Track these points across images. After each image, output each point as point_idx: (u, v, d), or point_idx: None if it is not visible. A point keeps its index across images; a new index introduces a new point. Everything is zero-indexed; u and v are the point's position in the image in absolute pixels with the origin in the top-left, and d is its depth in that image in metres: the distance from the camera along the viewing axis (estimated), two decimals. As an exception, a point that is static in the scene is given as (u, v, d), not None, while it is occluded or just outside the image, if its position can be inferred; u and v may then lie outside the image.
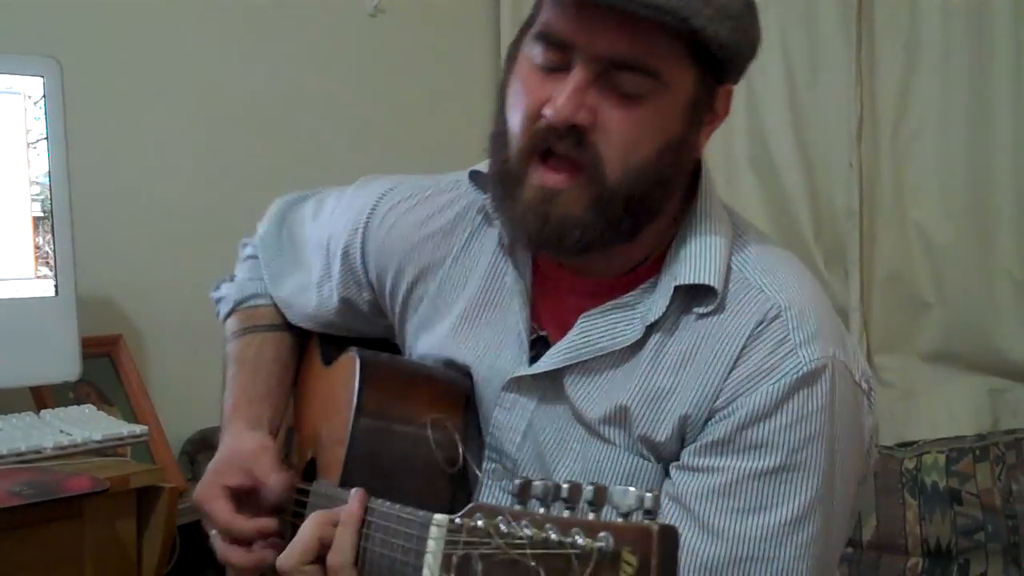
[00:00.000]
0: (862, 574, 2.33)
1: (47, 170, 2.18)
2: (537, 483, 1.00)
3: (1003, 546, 2.39)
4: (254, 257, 1.82)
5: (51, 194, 2.19)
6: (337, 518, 1.28)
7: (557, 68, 1.32)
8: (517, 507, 1.01)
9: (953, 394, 2.74)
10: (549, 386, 1.44)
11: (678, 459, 1.38)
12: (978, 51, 2.73)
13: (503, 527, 1.00)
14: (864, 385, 1.40)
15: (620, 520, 0.94)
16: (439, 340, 1.55)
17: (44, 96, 2.17)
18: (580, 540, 0.93)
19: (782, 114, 3.01)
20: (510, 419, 1.47)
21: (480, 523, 1.03)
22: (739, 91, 3.01)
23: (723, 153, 3.07)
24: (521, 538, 0.97)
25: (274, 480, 1.53)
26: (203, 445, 2.53)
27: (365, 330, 1.70)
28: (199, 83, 2.75)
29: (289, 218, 1.79)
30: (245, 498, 1.55)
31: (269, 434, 1.64)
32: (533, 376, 1.45)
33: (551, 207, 1.33)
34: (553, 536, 0.95)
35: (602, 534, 0.92)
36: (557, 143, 1.31)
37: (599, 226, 1.33)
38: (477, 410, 1.51)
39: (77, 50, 2.45)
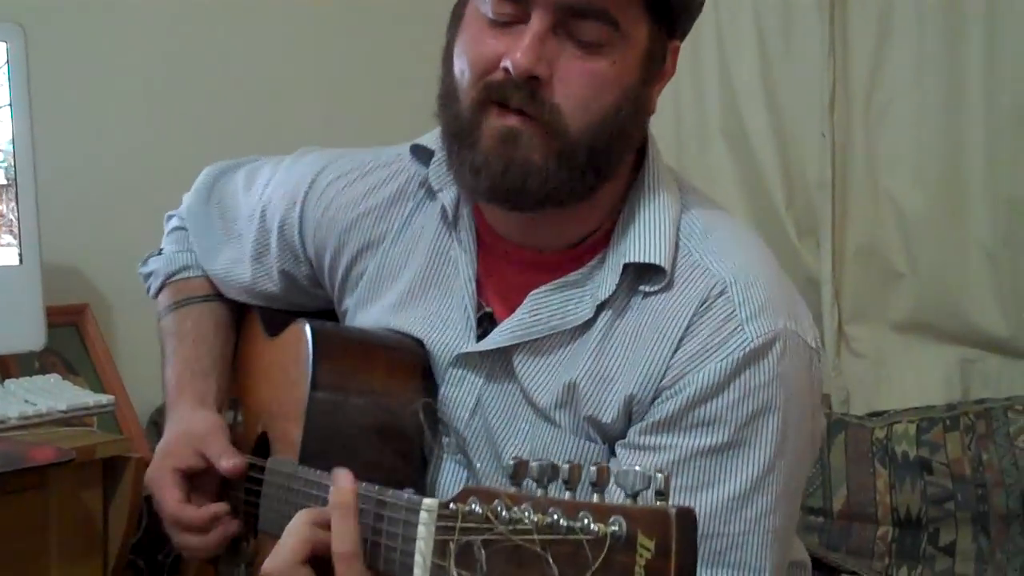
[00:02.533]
0: (832, 543, 2.34)
1: (11, 137, 2.14)
2: (533, 463, 0.94)
3: (972, 515, 2.40)
4: (181, 229, 1.78)
5: (15, 161, 2.15)
6: (324, 515, 1.20)
7: (509, 21, 1.30)
8: (512, 489, 0.95)
9: (924, 364, 2.75)
10: (497, 364, 1.42)
11: (624, 439, 1.36)
12: (951, 22, 2.72)
13: (503, 512, 0.94)
14: (814, 345, 1.38)
15: (630, 502, 0.88)
16: (381, 316, 1.52)
17: (8, 62, 2.14)
18: (591, 524, 0.87)
19: (755, 84, 2.99)
20: (458, 395, 1.44)
21: (476, 507, 0.97)
22: (712, 61, 3.06)
23: (696, 123, 3.06)
24: (525, 523, 0.91)
25: (227, 464, 1.51)
26: (170, 416, 2.50)
27: (305, 303, 1.67)
28: (167, 50, 2.71)
29: (218, 189, 1.75)
30: (197, 478, 1.54)
31: (216, 409, 1.63)
32: (481, 353, 1.42)
33: (513, 150, 1.30)
34: (560, 521, 0.89)
35: (614, 518, 0.86)
36: (513, 95, 1.29)
37: (562, 177, 1.31)
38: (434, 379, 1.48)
39: (41, 16, 2.41)
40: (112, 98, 2.62)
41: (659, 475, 0.87)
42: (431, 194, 1.50)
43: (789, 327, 1.33)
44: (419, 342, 1.47)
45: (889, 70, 2.82)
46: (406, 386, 1.45)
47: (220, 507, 1.52)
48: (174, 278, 1.76)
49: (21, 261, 2.17)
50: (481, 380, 1.43)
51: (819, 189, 2.89)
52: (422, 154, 1.51)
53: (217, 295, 1.74)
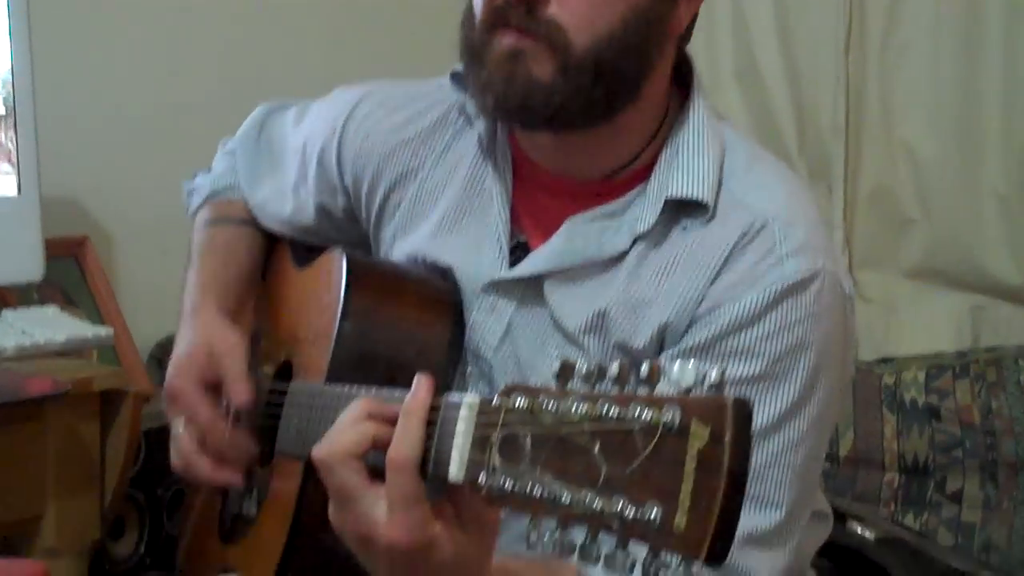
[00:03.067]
0: (838, 489, 2.33)
1: (10, 66, 2.11)
2: (581, 363, 0.90)
3: (980, 462, 2.40)
4: (232, 154, 1.77)
5: (14, 90, 2.12)
6: (391, 411, 1.10)
7: None
8: (558, 387, 0.92)
9: (935, 311, 2.74)
10: (529, 291, 1.42)
11: None
12: (970, -37, 2.67)
13: (550, 405, 0.91)
14: (849, 293, 1.38)
15: (684, 395, 0.85)
16: (418, 245, 1.51)
17: (7, -11, 2.10)
18: (642, 414, 0.84)
19: (769, 26, 2.95)
20: (488, 322, 1.44)
21: (521, 402, 0.94)
22: (725, 2, 2.99)
23: (708, 65, 3.02)
24: (572, 414, 0.88)
25: (240, 396, 1.46)
26: (172, 349, 2.48)
27: (338, 238, 1.64)
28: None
29: (269, 123, 1.75)
30: (216, 389, 1.49)
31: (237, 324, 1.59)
32: (513, 280, 1.42)
33: (516, 66, 1.31)
34: (610, 411, 0.86)
35: (667, 407, 0.83)
36: (511, 14, 1.30)
37: (567, 91, 1.30)
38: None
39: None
40: (114, 26, 2.58)
41: (714, 371, 0.84)
42: (469, 121, 1.50)
43: (828, 268, 1.33)
44: (450, 277, 1.47)
45: (906, 14, 2.79)
46: (435, 320, 1.44)
47: (247, 440, 1.47)
48: (218, 196, 1.75)
49: (19, 191, 2.14)
50: (512, 307, 1.43)
51: (832, 133, 2.86)
52: (461, 81, 1.49)
53: (254, 222, 1.72)
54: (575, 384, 0.91)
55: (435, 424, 1.05)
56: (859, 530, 2.17)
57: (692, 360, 0.85)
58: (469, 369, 1.46)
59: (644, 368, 0.87)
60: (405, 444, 1.06)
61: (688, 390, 0.84)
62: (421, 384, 1.09)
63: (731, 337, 1.30)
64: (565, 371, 0.92)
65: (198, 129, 1.85)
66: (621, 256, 1.37)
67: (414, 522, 1.05)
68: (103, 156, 2.55)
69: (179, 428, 1.49)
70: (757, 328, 1.30)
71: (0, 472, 1.85)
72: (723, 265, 1.32)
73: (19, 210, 2.15)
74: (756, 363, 1.30)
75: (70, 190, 2.50)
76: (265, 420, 1.51)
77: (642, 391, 0.87)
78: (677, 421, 0.82)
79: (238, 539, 1.56)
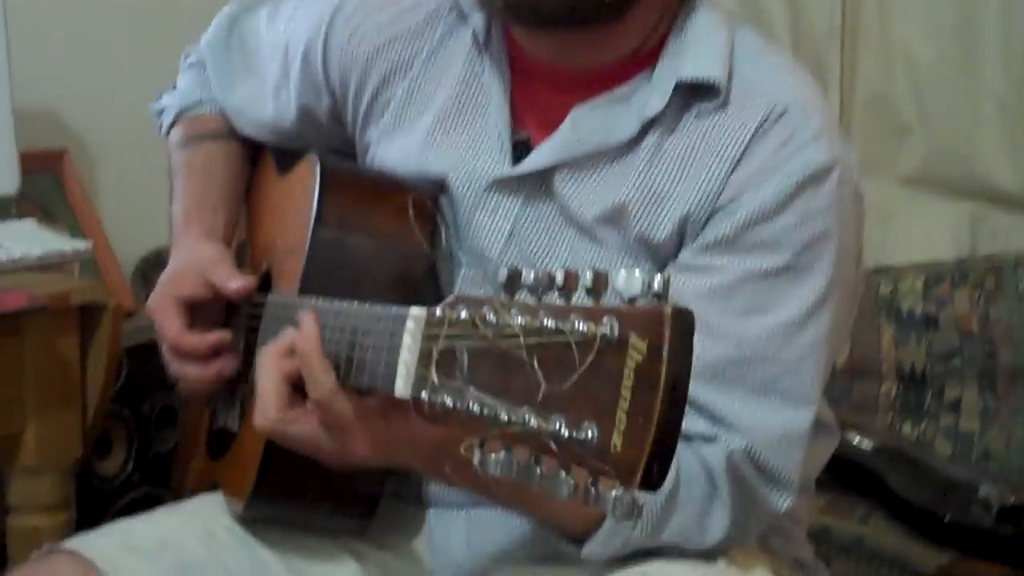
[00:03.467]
0: (835, 399, 2.28)
1: (-20, -29, 2.07)
2: (528, 272, 0.86)
3: (979, 371, 2.37)
4: (198, 65, 1.72)
5: (-16, -4, 2.07)
6: (289, 345, 1.17)
7: None
8: (504, 298, 0.88)
9: (932, 219, 2.68)
10: (536, 187, 1.38)
11: (676, 260, 1.33)
12: None
13: (490, 317, 0.87)
14: (860, 191, 1.36)
15: (627, 306, 0.80)
16: (410, 148, 1.47)
17: None
18: (580, 326, 0.80)
19: (763, -73, 2.89)
20: (493, 222, 1.40)
21: (464, 314, 0.90)
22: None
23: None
24: (511, 327, 0.84)
25: (235, 284, 1.46)
26: (157, 263, 2.44)
27: (322, 142, 1.60)
28: None
29: (240, 24, 1.69)
30: (200, 311, 1.48)
31: (224, 244, 1.58)
32: (518, 177, 1.38)
33: None
34: (548, 323, 0.82)
35: (605, 319, 0.78)
36: None
37: None
38: (448, 222, 1.43)
39: None
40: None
41: (658, 277, 0.79)
42: (463, 17, 1.45)
43: (844, 157, 1.31)
44: (436, 184, 1.43)
45: (903, -88, 2.72)
46: (415, 228, 1.40)
47: (221, 335, 1.46)
48: (188, 113, 1.70)
49: (-9, 102, 2.10)
50: (517, 207, 1.39)
51: (828, 36, 2.79)
52: None
53: (231, 133, 1.68)
54: (522, 295, 0.87)
55: (383, 334, 1.04)
56: (857, 440, 2.17)
57: (637, 269, 0.81)
58: (472, 272, 1.41)
59: (588, 277, 0.83)
60: (316, 381, 1.13)
61: (633, 300, 0.80)
62: (306, 321, 1.15)
63: (755, 228, 1.28)
64: (512, 281, 0.87)
65: (181, 38, 1.79)
66: (633, 144, 1.33)
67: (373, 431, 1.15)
68: (81, 66, 2.51)
69: (163, 344, 1.50)
70: (780, 219, 1.27)
71: (-23, 388, 1.83)
72: (743, 153, 1.29)
73: (-9, 120, 2.11)
74: (780, 255, 1.28)
75: (47, 102, 2.46)
76: (246, 333, 1.49)
77: (588, 302, 0.82)
78: (616, 334, 0.78)
79: (224, 454, 1.54)
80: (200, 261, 1.50)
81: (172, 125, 1.71)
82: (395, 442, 1.18)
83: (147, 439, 2.33)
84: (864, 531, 2.08)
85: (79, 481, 2.06)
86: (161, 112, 1.73)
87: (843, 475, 2.13)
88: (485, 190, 1.40)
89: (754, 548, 1.38)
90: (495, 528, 1.39)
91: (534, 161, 1.37)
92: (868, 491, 2.16)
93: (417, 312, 0.99)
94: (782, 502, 1.30)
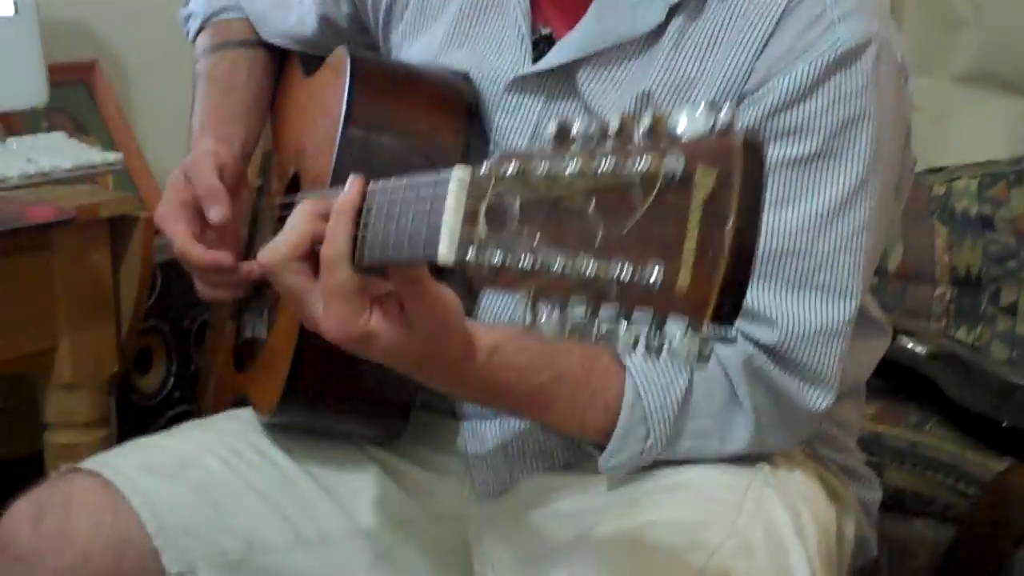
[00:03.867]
0: (887, 304, 2.26)
1: None
2: (580, 122, 0.80)
3: (1036, 274, 2.33)
4: None
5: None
6: (330, 208, 1.09)
7: None
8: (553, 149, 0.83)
9: (987, 117, 2.62)
10: (559, 84, 1.33)
11: None
12: None
13: (542, 167, 0.81)
14: (905, 68, 1.29)
15: (692, 141, 0.75)
16: (431, 47, 1.43)
17: None
18: (641, 165, 0.74)
19: None
20: (514, 124, 1.36)
21: (512, 168, 0.84)
22: None
23: None
24: (565, 175, 0.79)
25: (214, 215, 1.41)
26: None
27: None
28: None
29: None
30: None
31: (242, 155, 1.53)
32: (539, 74, 1.33)
33: None
34: (606, 166, 0.76)
35: (670, 155, 0.73)
36: None
37: None
38: (481, 119, 1.39)
39: None
40: None
41: (724, 110, 0.73)
42: None
43: (883, 33, 1.25)
44: (467, 79, 1.39)
45: None
46: (447, 122, 1.36)
47: (223, 257, 1.41)
48: (214, 19, 1.67)
49: (16, 11, 2.07)
50: (540, 105, 1.34)
51: (878, -71, 2.72)
52: None
53: (257, 42, 1.65)
54: (575, 147, 0.80)
55: (425, 198, 0.97)
56: (910, 345, 2.12)
57: (701, 105, 0.74)
58: None
59: (646, 120, 0.76)
60: (333, 243, 1.04)
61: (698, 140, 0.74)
62: (353, 184, 1.07)
63: (783, 114, 1.22)
64: (562, 133, 0.81)
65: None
66: (658, 32, 1.28)
67: (344, 316, 1.04)
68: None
69: None
70: (810, 103, 1.22)
71: (8, 302, 1.82)
72: (769, 35, 1.23)
73: (18, 30, 2.08)
74: (812, 140, 1.22)
75: (78, 13, 2.41)
76: (275, 234, 1.45)
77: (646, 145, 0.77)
78: (680, 169, 0.72)
79: (251, 363, 1.52)
80: (187, 166, 1.46)
81: (199, 31, 1.68)
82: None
83: (187, 355, 2.31)
84: (918, 438, 2.04)
85: (120, 398, 2.05)
86: (188, 18, 1.70)
87: (896, 381, 2.09)
88: (506, 89, 1.36)
89: (799, 454, 1.35)
90: (530, 432, 1.35)
91: (557, 56, 1.32)
92: (922, 397, 2.11)
93: (461, 171, 0.93)
94: (820, 400, 1.26)
